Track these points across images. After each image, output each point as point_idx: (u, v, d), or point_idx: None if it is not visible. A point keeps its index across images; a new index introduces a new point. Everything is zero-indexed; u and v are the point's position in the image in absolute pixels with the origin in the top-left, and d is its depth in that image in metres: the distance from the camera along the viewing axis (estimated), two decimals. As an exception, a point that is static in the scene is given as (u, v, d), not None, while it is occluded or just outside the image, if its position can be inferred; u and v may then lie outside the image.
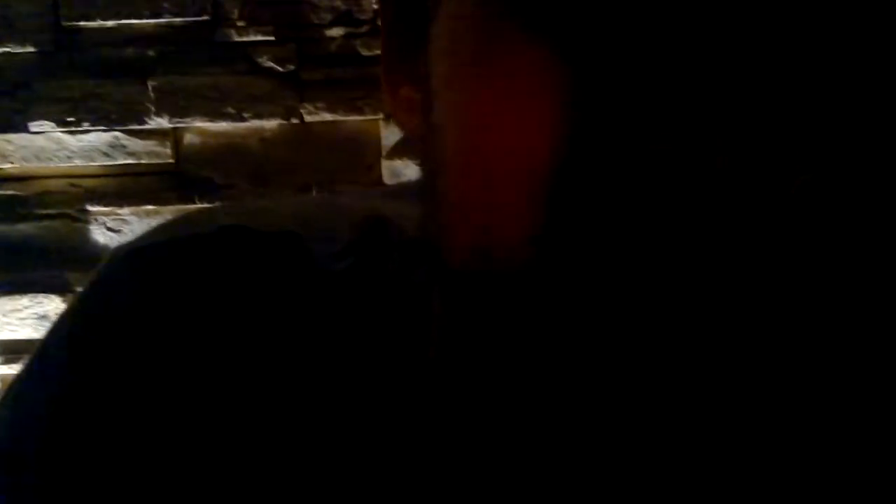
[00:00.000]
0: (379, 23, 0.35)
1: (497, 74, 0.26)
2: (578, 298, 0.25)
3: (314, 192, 1.54)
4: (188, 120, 1.54)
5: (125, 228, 1.58)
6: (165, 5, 1.52)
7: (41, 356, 0.37)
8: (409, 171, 1.46)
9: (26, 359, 0.37)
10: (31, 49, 1.56)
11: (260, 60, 1.53)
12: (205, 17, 1.52)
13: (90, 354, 0.36)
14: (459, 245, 0.28)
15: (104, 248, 1.57)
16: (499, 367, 0.28)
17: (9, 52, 1.56)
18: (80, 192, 1.59)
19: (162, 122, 1.55)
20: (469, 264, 0.28)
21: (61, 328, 0.38)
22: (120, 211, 1.58)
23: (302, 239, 0.38)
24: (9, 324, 1.58)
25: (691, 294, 0.24)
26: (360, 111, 1.51)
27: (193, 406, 0.35)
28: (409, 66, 0.33)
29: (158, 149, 1.56)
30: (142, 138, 1.56)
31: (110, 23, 1.54)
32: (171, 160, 1.56)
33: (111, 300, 0.37)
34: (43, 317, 1.57)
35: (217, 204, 1.50)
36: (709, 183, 0.23)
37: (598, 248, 0.25)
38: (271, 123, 1.53)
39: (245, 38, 1.52)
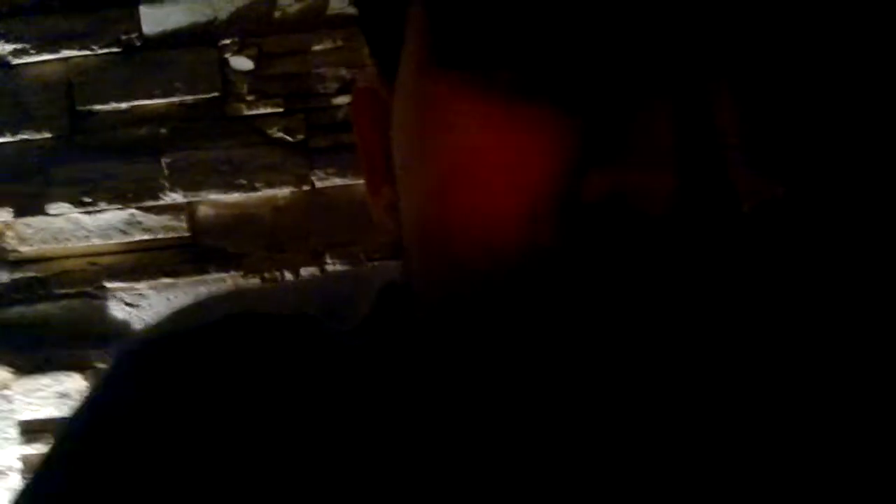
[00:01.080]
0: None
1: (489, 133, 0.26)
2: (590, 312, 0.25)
3: (328, 258, 1.57)
4: (202, 193, 1.58)
5: (143, 303, 1.60)
6: (177, 84, 1.57)
7: (49, 458, 0.37)
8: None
9: (47, 439, 0.37)
10: (47, 135, 1.61)
11: (270, 132, 1.57)
12: (214, 94, 1.57)
13: (93, 460, 0.35)
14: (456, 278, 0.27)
15: (123, 323, 1.59)
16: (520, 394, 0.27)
17: (26, 140, 1.61)
18: (99, 270, 1.61)
19: (176, 197, 1.58)
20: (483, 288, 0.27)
21: (69, 432, 0.37)
22: (137, 286, 1.60)
23: (316, 320, 0.37)
24: (31, 404, 1.59)
25: (683, 307, 0.24)
26: (368, 175, 1.53)
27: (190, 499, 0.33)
28: (387, 164, 0.32)
29: (174, 223, 1.59)
30: (157, 213, 1.59)
31: (123, 104, 1.58)
32: (186, 233, 1.59)
33: (115, 402, 0.36)
34: (64, 395, 1.58)
35: (230, 287, 1.51)
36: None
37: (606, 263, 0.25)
38: (283, 192, 1.57)
39: (255, 112, 1.56)
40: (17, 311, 1.61)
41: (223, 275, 1.58)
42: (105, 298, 1.61)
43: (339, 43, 1.55)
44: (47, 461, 0.37)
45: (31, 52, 1.60)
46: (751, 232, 0.24)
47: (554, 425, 0.26)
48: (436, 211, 0.28)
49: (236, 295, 0.46)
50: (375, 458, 0.34)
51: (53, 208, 1.60)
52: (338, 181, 1.55)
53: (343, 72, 1.55)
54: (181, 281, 1.58)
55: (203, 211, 1.60)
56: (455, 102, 0.27)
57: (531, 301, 0.26)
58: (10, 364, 1.59)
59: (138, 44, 1.58)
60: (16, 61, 1.61)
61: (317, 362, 0.36)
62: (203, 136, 1.57)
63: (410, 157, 0.30)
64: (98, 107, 1.59)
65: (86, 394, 0.38)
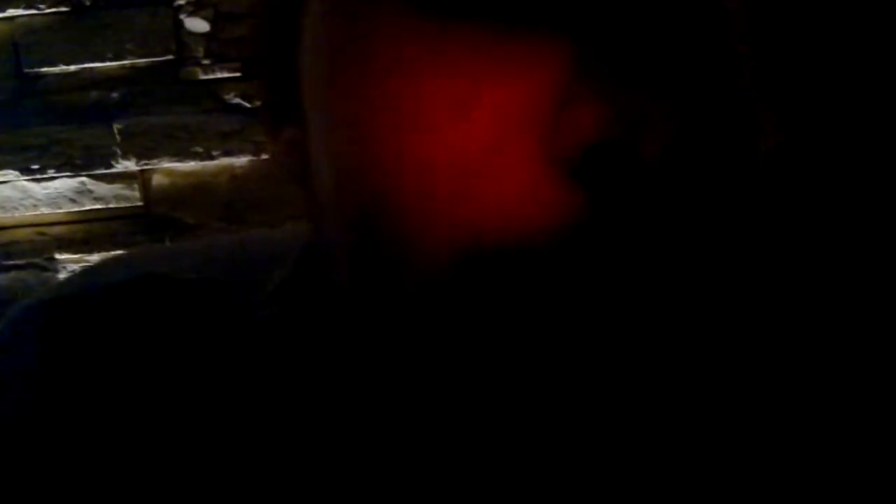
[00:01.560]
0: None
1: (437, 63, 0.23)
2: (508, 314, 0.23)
3: (286, 228, 1.52)
4: (155, 161, 1.52)
5: (95, 275, 1.55)
6: (129, 46, 1.50)
7: None
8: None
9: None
10: (-8, 98, 1.54)
11: (227, 97, 1.51)
12: (169, 57, 1.50)
13: None
14: (435, 255, 0.24)
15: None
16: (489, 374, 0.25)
17: (-30, 102, 1.54)
18: (48, 241, 1.56)
19: (129, 165, 1.52)
20: (451, 275, 0.24)
21: None
22: (89, 257, 1.54)
23: (224, 286, 0.34)
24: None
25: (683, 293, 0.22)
26: (330, 144, 1.49)
27: (94, 473, 0.31)
28: (290, 103, 0.29)
29: (126, 192, 1.53)
30: (109, 182, 1.53)
31: (73, 67, 1.52)
32: (139, 203, 1.53)
33: (8, 363, 0.34)
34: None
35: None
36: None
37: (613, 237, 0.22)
38: (241, 160, 1.51)
39: (211, 76, 1.50)
40: (-38, 282, 1.55)
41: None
42: (55, 270, 1.55)
43: (300, 5, 1.50)
44: None
45: (-25, 10, 1.52)
46: (760, 188, 0.21)
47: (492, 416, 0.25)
48: (384, 164, 0.24)
49: (142, 254, 0.43)
50: (282, 437, 0.31)
51: (0, 175, 1.53)
52: (298, 149, 1.50)
53: (304, 35, 1.49)
54: (134, 252, 1.53)
55: (157, 179, 1.54)
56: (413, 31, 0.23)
57: (514, 277, 0.23)
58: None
59: (88, 3, 1.51)
60: (-42, 20, 1.53)
61: (220, 335, 0.33)
62: (157, 101, 1.51)
63: (338, 98, 0.25)
64: (46, 69, 1.52)
65: None
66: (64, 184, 1.54)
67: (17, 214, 1.55)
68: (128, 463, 0.31)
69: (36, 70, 1.52)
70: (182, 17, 1.50)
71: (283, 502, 0.30)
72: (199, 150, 1.51)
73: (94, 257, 1.54)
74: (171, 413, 0.32)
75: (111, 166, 1.52)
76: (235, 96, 1.51)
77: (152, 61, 1.51)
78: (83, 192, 1.54)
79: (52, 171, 1.53)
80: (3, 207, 1.55)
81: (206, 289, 0.34)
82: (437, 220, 0.23)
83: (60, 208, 1.54)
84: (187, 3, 1.49)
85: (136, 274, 0.35)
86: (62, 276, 1.55)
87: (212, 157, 1.51)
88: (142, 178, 1.53)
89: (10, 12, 1.51)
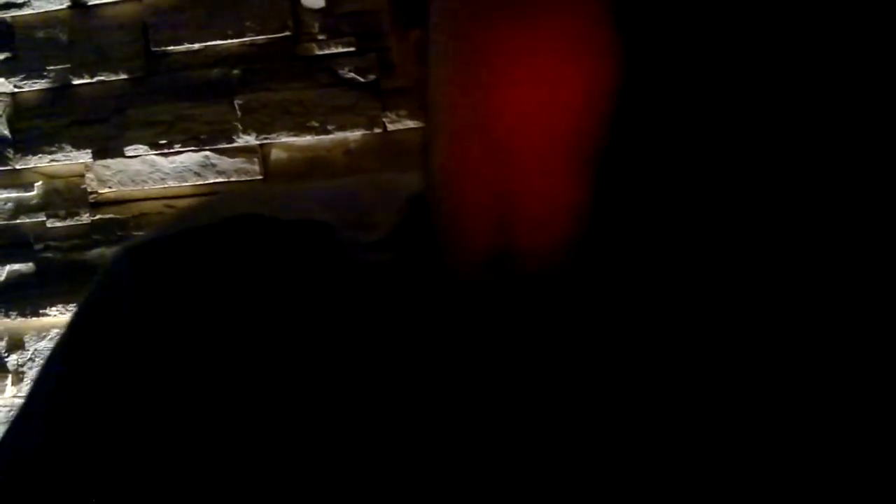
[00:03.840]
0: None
1: (526, 17, 0.23)
2: (608, 308, 0.23)
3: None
4: (274, 136, 1.56)
5: (218, 246, 1.61)
6: (247, 24, 1.55)
7: (46, 365, 0.35)
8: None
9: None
10: (123, 76, 1.61)
11: (341, 72, 1.53)
12: (286, 34, 1.54)
13: (90, 363, 0.33)
14: (471, 251, 0.24)
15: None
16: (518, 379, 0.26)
17: (103, 81, 1.62)
18: (175, 213, 1.63)
19: (249, 140, 1.57)
20: (483, 275, 0.24)
21: (65, 337, 0.35)
22: (212, 229, 1.61)
23: (331, 228, 0.33)
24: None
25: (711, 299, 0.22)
26: (442, 117, 1.49)
27: (193, 408, 0.31)
28: (417, 6, 0.28)
29: (247, 165, 1.59)
30: (230, 156, 1.59)
31: (196, 45, 1.57)
32: (259, 176, 1.58)
33: (112, 304, 0.34)
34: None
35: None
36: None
37: (638, 253, 0.22)
38: (355, 134, 1.54)
39: (326, 51, 1.53)
40: (97, 251, 1.64)
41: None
42: (181, 241, 1.62)
43: (413, -22, 1.50)
44: (46, 365, 0.35)
45: (107, -8, 1.60)
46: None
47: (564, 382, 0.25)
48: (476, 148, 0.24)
49: (248, 195, 0.42)
50: (383, 390, 0.31)
51: (130, 150, 1.61)
52: (410, 123, 1.51)
53: (416, 9, 1.50)
54: (254, 224, 1.58)
55: (275, 154, 1.58)
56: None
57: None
58: (91, 304, 1.63)
59: (211, -18, 1.56)
60: (92, 1, 1.61)
61: (323, 276, 0.32)
62: (274, 78, 1.55)
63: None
64: (172, 48, 1.59)
65: (86, 293, 0.36)
66: (189, 158, 1.60)
67: (146, 187, 1.63)
68: (209, 397, 0.31)
69: (163, 49, 1.59)
70: (298, -7, 1.53)
71: (370, 443, 0.30)
72: (315, 124, 1.54)
73: (217, 229, 1.60)
74: (267, 349, 0.32)
75: (233, 141, 1.58)
76: (349, 71, 1.53)
77: (270, 38, 1.55)
78: (207, 165, 1.60)
79: (178, 145, 1.60)
80: (133, 181, 1.63)
81: (307, 230, 0.33)
82: (479, 217, 0.24)
83: (186, 181, 1.61)
84: (303, -20, 1.52)
85: (234, 215, 0.34)
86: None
87: (327, 132, 1.54)
88: (261, 152, 1.58)
89: (139, -7, 1.58)
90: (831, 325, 0.22)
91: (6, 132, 1.66)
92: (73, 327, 0.35)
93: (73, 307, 1.56)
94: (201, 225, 0.35)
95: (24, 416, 0.35)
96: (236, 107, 1.57)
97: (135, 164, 1.62)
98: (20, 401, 0.37)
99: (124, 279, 0.34)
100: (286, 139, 1.56)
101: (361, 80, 1.53)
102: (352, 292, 0.32)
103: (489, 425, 0.28)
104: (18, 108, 1.66)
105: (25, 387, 1.66)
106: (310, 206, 0.35)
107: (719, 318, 0.22)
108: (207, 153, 1.59)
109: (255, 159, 1.58)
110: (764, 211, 0.21)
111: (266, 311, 0.32)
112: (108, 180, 1.63)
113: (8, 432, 0.35)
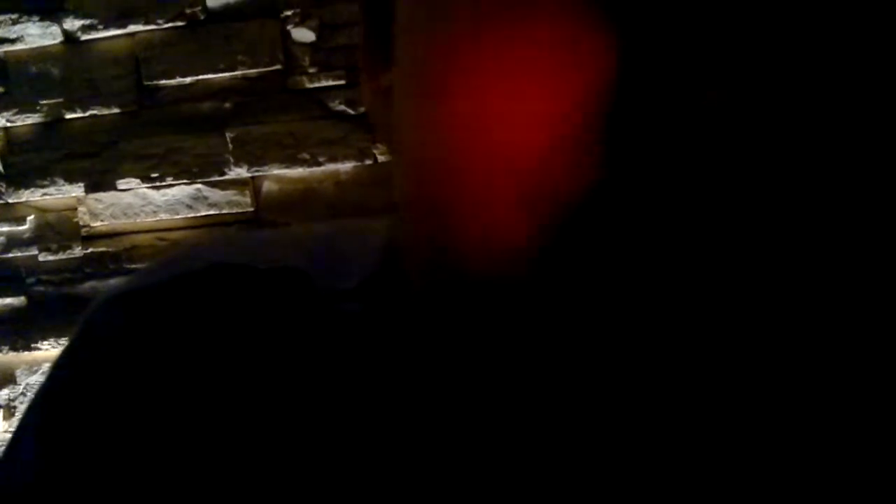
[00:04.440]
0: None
1: (512, 37, 0.23)
2: (585, 304, 0.23)
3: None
4: (265, 168, 1.57)
5: (210, 278, 1.61)
6: (239, 57, 1.56)
7: (27, 413, 0.35)
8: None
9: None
10: (115, 110, 1.62)
11: (332, 105, 1.55)
12: (277, 67, 1.55)
13: (72, 415, 0.33)
14: (460, 248, 0.25)
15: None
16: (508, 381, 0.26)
17: (95, 115, 1.63)
18: (168, 246, 1.63)
19: (241, 172, 1.58)
20: (471, 271, 0.24)
21: (47, 385, 0.35)
22: (204, 261, 1.61)
23: (306, 276, 0.33)
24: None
25: (692, 297, 0.22)
26: (432, 148, 1.50)
27: (178, 454, 0.31)
28: (389, 48, 0.28)
29: (239, 198, 1.59)
30: (222, 188, 1.60)
31: (188, 79, 1.58)
32: (250, 208, 1.59)
33: (94, 352, 0.34)
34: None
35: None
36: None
37: (613, 250, 0.22)
38: (346, 166, 1.55)
39: (317, 84, 1.54)
40: (90, 285, 1.65)
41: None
42: (173, 273, 1.62)
43: (402, 12, 1.51)
44: (26, 415, 0.35)
45: (99, 27, 1.61)
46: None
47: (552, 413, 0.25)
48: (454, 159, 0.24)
49: (223, 242, 0.42)
50: (361, 434, 0.31)
51: (123, 183, 1.62)
52: (400, 155, 1.52)
53: (405, 42, 1.51)
54: (246, 256, 1.58)
55: (267, 186, 1.59)
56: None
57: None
58: (83, 337, 1.63)
59: (202, 17, 1.57)
60: (84, 37, 1.62)
61: (298, 324, 0.32)
62: (266, 111, 1.56)
63: (424, 49, 0.26)
64: (164, 81, 1.60)
65: (69, 342, 0.36)
66: (181, 191, 1.61)
67: (138, 220, 1.63)
68: (202, 447, 0.31)
69: (155, 82, 1.60)
70: (289, 27, 1.54)
71: (353, 490, 0.30)
72: (306, 156, 1.55)
73: (209, 261, 1.61)
74: (242, 397, 0.32)
75: (224, 173, 1.58)
76: (340, 103, 1.54)
77: (261, 71, 1.56)
78: (199, 198, 1.61)
79: (170, 178, 1.60)
80: (125, 214, 1.63)
81: (284, 278, 0.33)
82: (502, 221, 0.23)
83: (178, 214, 1.62)
84: (293, 15, 1.54)
85: (213, 263, 0.34)
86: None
87: (318, 164, 1.55)
88: (252, 184, 1.59)
89: (131, 28, 1.60)
90: (831, 325, 0.23)
91: (-1, 166, 1.67)
92: (53, 379, 0.35)
93: (64, 341, 1.55)
94: (178, 274, 0.35)
95: (8, 465, 0.35)
96: (228, 139, 1.57)
97: (127, 198, 1.63)
98: (10, 436, 0.37)
99: (106, 331, 0.34)
100: (278, 171, 1.57)
101: (352, 112, 1.54)
102: (327, 345, 0.32)
103: (462, 477, 0.28)
104: (11, 142, 1.67)
105: (16, 421, 1.65)
106: (286, 252, 0.35)
107: (715, 318, 0.22)
108: (199, 186, 1.60)
109: (247, 191, 1.59)
110: (761, 216, 0.21)
111: (245, 366, 0.32)
112: (101, 213, 1.64)
113: None
